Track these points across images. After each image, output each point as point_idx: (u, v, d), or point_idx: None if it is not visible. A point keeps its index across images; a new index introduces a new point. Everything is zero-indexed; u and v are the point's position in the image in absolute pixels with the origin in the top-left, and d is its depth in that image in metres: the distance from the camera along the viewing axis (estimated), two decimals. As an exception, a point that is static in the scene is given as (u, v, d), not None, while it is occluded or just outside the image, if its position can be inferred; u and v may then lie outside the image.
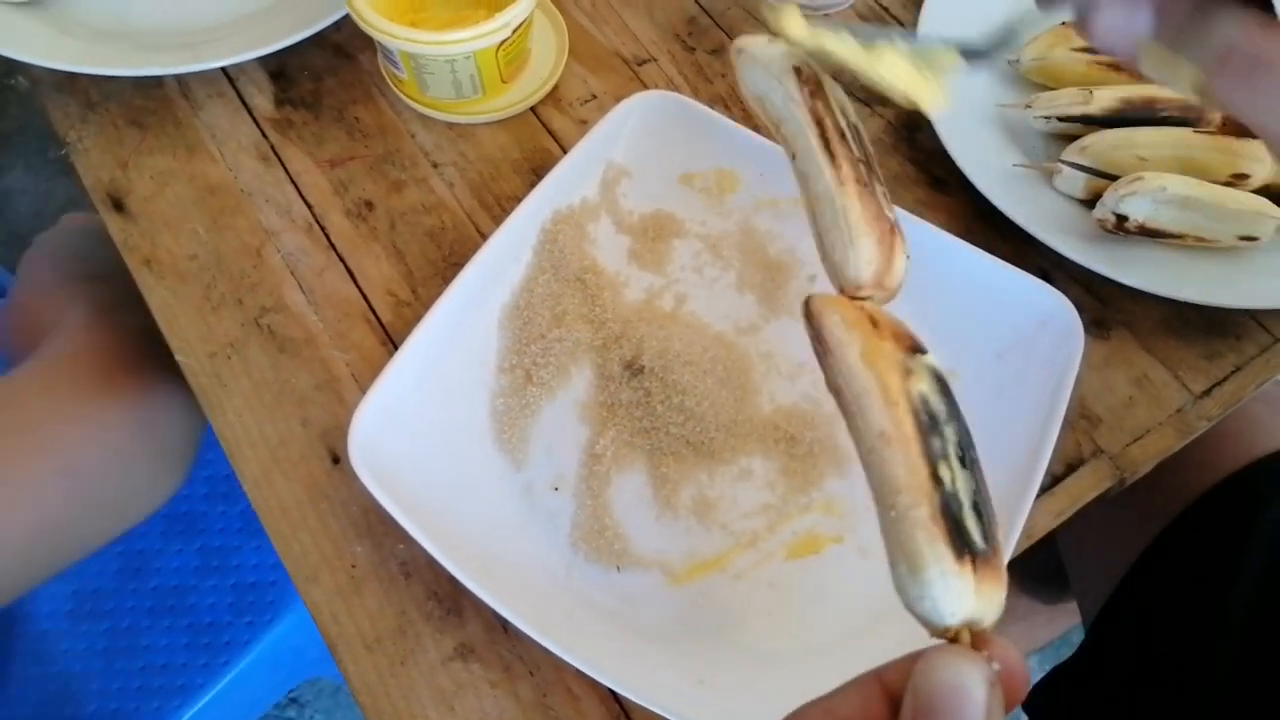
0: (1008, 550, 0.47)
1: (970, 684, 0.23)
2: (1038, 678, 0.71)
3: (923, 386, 0.31)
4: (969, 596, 0.27)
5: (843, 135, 0.40)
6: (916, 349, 0.33)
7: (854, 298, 0.37)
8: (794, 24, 0.40)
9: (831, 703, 0.26)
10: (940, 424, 0.31)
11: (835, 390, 0.33)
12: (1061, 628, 1.12)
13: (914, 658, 0.25)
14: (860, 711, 0.25)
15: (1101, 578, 0.70)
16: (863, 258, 0.37)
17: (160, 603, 0.82)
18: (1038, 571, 0.97)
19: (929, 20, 0.65)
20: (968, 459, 0.30)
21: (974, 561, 0.27)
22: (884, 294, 0.37)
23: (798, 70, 0.41)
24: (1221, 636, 0.59)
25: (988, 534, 0.29)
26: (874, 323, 0.33)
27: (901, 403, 0.31)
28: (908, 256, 0.38)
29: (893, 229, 0.37)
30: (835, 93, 0.42)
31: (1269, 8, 0.28)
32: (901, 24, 0.69)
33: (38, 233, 0.72)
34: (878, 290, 0.37)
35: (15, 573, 0.54)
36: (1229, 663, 0.58)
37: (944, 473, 0.29)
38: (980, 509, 0.29)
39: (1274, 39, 0.27)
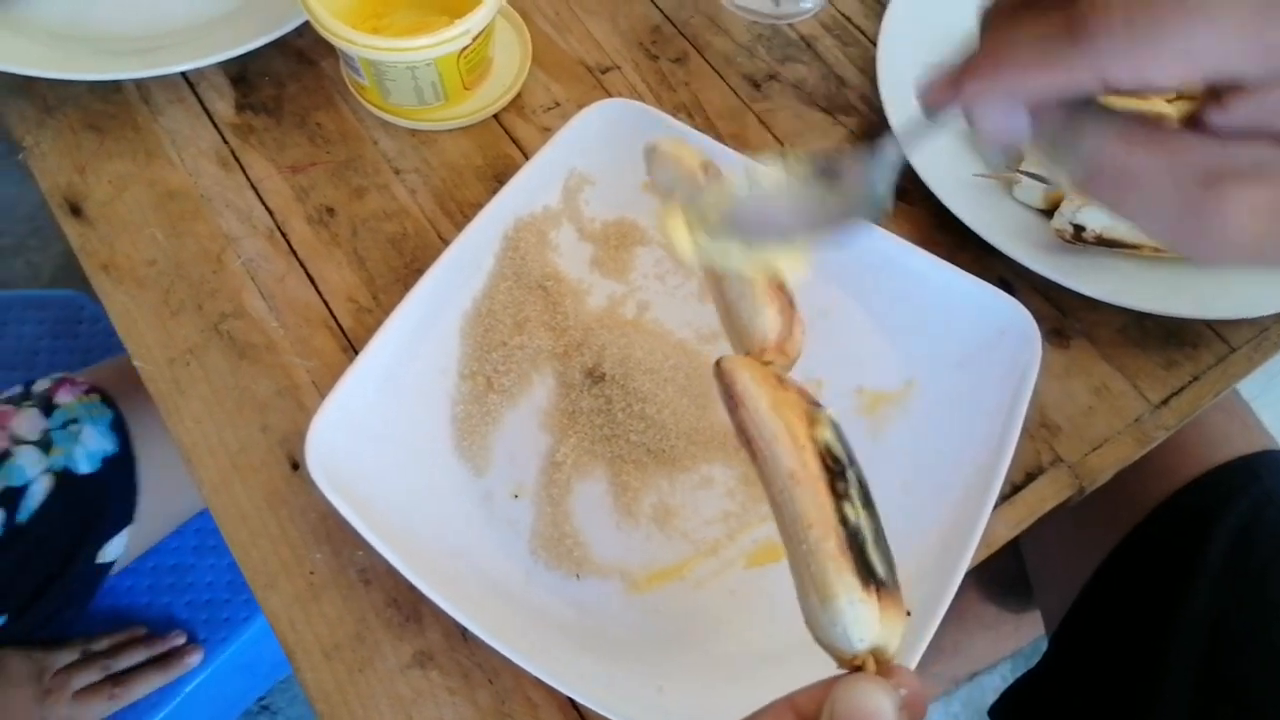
0: (924, 579, 0.48)
1: (883, 708, 0.25)
2: (1006, 686, 0.72)
3: (827, 434, 0.34)
4: (875, 623, 0.29)
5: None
6: (817, 405, 0.35)
7: (761, 361, 0.39)
8: (679, 233, 0.42)
9: None
10: (844, 467, 0.33)
11: (747, 440, 0.35)
12: (1029, 636, 1.13)
13: (827, 684, 0.27)
14: None
15: (1064, 586, 0.70)
16: (769, 324, 0.40)
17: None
18: (1004, 580, 0.98)
19: (890, 32, 0.66)
20: (868, 501, 0.33)
21: (879, 591, 0.30)
22: (785, 360, 0.40)
23: (705, 166, 0.44)
24: (1179, 641, 0.60)
25: (889, 568, 0.31)
26: (779, 380, 0.36)
27: (808, 446, 0.33)
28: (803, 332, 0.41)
29: (791, 303, 0.41)
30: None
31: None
32: (865, 34, 0.69)
33: (6, 235, 0.71)
34: (779, 355, 0.40)
35: None
36: (1187, 668, 0.59)
37: (849, 510, 0.32)
38: (881, 545, 0.32)
39: (1136, 152, 0.28)
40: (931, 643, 0.45)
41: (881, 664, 0.28)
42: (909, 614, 0.31)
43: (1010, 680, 0.72)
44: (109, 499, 0.71)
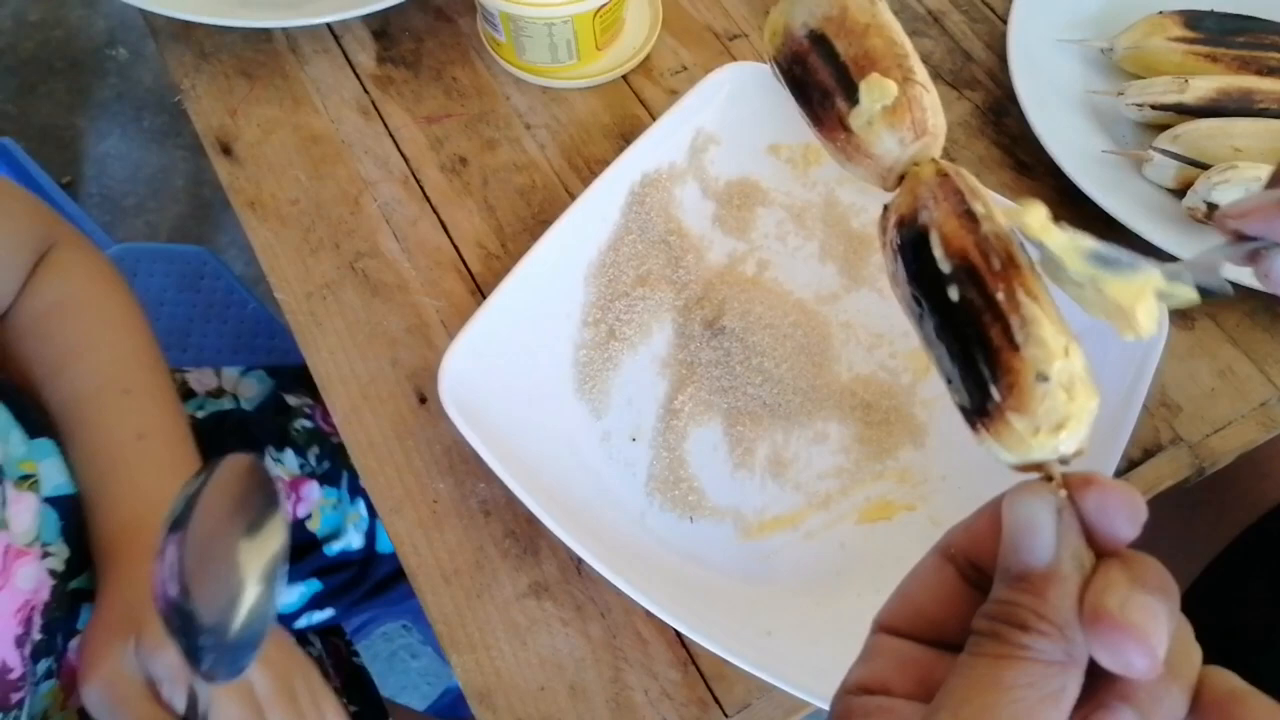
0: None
1: (1032, 519, 0.24)
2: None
3: (905, 285, 0.31)
4: (1000, 450, 0.27)
5: (797, 84, 0.36)
6: (902, 229, 0.31)
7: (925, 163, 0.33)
8: (1038, 218, 0.35)
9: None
10: (922, 301, 0.30)
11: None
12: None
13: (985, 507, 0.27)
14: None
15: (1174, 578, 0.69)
16: (859, 178, 0.35)
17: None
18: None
19: (1022, 10, 0.65)
20: (946, 314, 0.29)
21: (984, 424, 0.27)
22: (902, 163, 0.33)
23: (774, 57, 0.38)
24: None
25: (982, 382, 0.28)
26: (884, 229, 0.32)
27: (904, 311, 0.31)
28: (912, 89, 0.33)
29: (845, 130, 0.34)
30: (790, 38, 0.36)
31: None
32: (994, 10, 0.69)
33: (130, 196, 0.74)
34: (891, 176, 0.33)
35: None
36: None
37: (935, 353, 0.29)
38: (965, 363, 0.28)
39: None
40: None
41: (1042, 470, 0.27)
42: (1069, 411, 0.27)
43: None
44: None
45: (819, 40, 0.35)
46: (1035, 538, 0.24)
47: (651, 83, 0.66)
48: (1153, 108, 0.61)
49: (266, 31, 0.67)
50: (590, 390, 0.54)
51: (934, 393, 0.55)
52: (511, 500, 0.48)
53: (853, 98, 0.33)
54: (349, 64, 0.66)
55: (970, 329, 0.28)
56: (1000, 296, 0.27)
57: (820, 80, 0.34)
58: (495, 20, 0.62)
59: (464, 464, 0.53)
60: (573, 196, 0.58)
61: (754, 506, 0.52)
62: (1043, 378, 0.27)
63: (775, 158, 0.61)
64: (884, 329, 0.57)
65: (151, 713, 0.44)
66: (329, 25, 0.67)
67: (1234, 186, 0.55)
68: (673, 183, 0.59)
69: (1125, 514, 0.24)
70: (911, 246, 0.30)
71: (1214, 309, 0.58)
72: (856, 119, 0.33)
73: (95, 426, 0.53)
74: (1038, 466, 0.27)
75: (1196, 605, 0.66)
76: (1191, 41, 0.61)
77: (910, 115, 0.32)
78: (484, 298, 0.54)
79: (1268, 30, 0.62)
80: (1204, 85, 0.59)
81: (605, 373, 0.55)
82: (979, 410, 0.28)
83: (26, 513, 0.48)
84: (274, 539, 0.37)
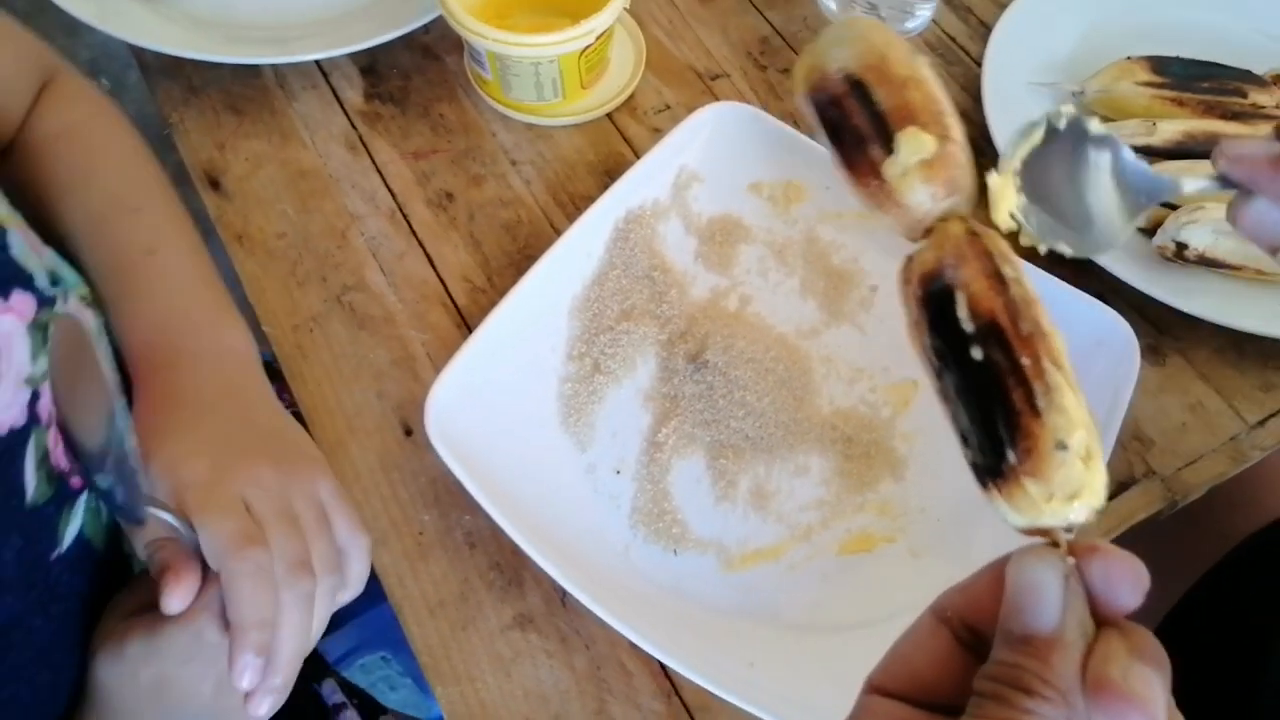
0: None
1: (1040, 581, 0.24)
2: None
3: (928, 337, 0.31)
4: (1009, 512, 0.28)
5: (831, 127, 0.36)
6: (929, 282, 0.31)
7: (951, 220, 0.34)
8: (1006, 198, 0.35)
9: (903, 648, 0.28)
10: (945, 357, 0.30)
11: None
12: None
13: (984, 570, 0.27)
14: (932, 651, 0.27)
15: (1149, 613, 0.70)
16: (888, 225, 0.34)
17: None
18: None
19: (995, 53, 0.67)
20: (969, 372, 0.29)
21: (996, 484, 0.28)
22: (932, 215, 0.33)
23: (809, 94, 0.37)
24: (1271, 678, 0.59)
25: (999, 443, 0.28)
26: (907, 280, 0.32)
27: (921, 361, 0.31)
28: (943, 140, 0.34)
29: (877, 178, 0.34)
30: (830, 81, 0.36)
31: None
32: (969, 54, 0.71)
33: None
34: (918, 225, 0.34)
35: None
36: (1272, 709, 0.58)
37: (952, 408, 0.30)
38: (983, 422, 0.29)
39: None
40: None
41: (1049, 535, 0.27)
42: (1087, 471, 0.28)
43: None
44: None
45: (856, 85, 0.35)
46: (1042, 602, 0.24)
47: (635, 121, 0.67)
48: (1122, 149, 0.62)
49: (255, 67, 0.68)
50: (575, 423, 0.55)
51: (913, 426, 0.56)
52: (496, 532, 0.49)
53: (888, 147, 0.33)
54: (337, 100, 0.67)
55: (992, 390, 0.29)
56: (1025, 361, 0.28)
57: (856, 125, 0.35)
58: (482, 59, 0.63)
59: (449, 496, 0.54)
60: (558, 232, 0.59)
61: (736, 538, 0.53)
62: (1062, 446, 0.27)
63: (757, 195, 0.62)
64: (864, 364, 0.58)
65: (161, 538, 0.42)
66: (317, 62, 0.68)
67: (1201, 227, 0.57)
68: (656, 219, 0.61)
69: (1130, 584, 0.25)
70: (936, 300, 0.31)
71: (1184, 346, 0.60)
72: (891, 168, 0.33)
73: (107, 245, 0.52)
74: (1043, 531, 0.27)
75: (1175, 635, 0.67)
76: (1159, 86, 0.63)
77: (945, 172, 0.33)
78: (469, 331, 0.55)
79: (1231, 76, 0.64)
80: (1171, 128, 0.61)
81: (590, 406, 0.55)
82: (993, 470, 0.28)
83: (90, 324, 0.49)
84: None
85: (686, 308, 0.59)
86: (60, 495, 0.43)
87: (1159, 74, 0.64)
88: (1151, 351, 0.59)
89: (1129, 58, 0.65)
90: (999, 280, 0.30)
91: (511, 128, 0.67)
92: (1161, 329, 0.60)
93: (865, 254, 0.61)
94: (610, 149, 0.66)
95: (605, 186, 0.59)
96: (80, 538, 0.45)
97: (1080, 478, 0.27)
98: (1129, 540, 0.55)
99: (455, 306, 0.60)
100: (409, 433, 0.56)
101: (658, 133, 0.66)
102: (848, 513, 0.54)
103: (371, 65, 0.69)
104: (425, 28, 0.68)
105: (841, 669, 0.48)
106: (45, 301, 0.44)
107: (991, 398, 0.28)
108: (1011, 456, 0.28)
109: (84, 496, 0.45)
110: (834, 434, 0.55)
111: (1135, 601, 0.25)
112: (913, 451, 0.55)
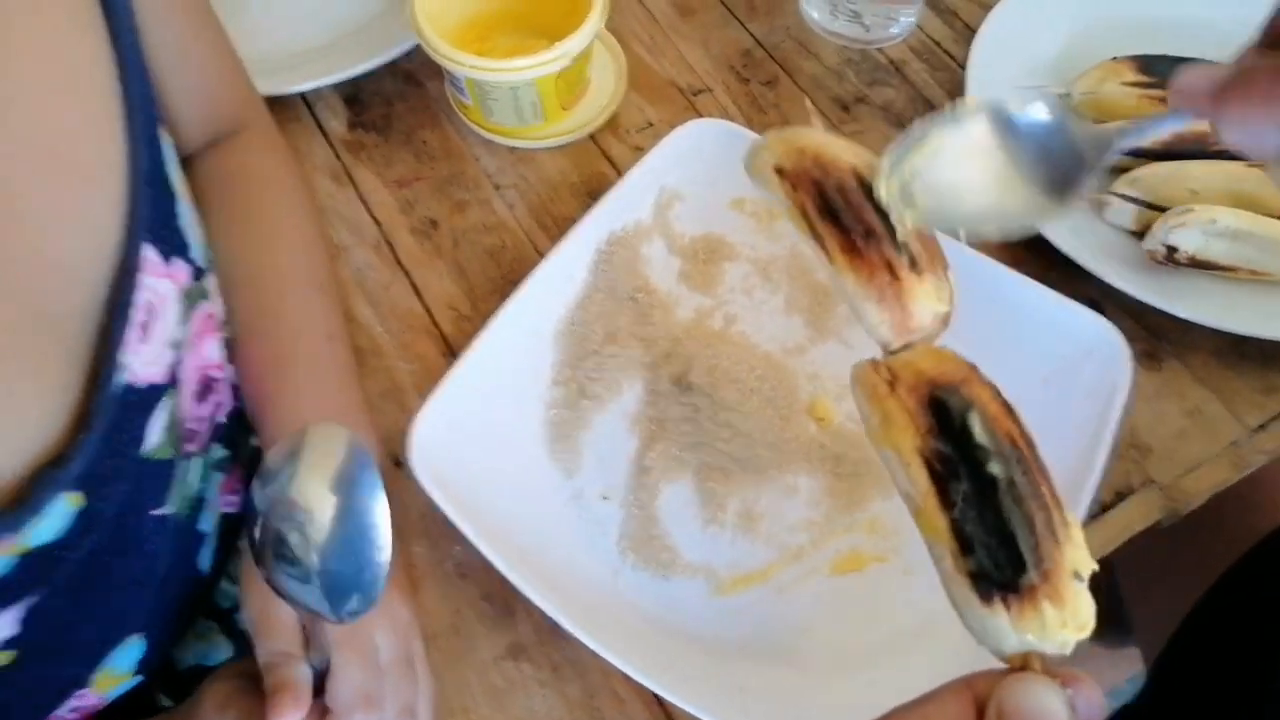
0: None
1: (1050, 709, 0.26)
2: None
3: (932, 442, 0.32)
4: (1009, 632, 0.29)
5: (825, 210, 0.38)
6: (937, 391, 0.33)
7: (894, 352, 0.37)
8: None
9: (927, 709, 0.28)
10: (955, 465, 0.31)
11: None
12: (1126, 671, 1.10)
13: (1000, 674, 0.27)
14: (955, 717, 0.27)
15: (1162, 618, 0.69)
16: (873, 321, 0.37)
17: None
18: (1099, 614, 0.96)
19: (979, 57, 0.66)
20: (986, 485, 0.31)
21: (1004, 598, 0.29)
22: (922, 333, 0.37)
23: (779, 170, 0.40)
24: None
25: (1017, 560, 0.29)
26: (891, 384, 0.34)
27: (914, 462, 0.32)
28: (943, 275, 0.38)
29: (892, 275, 0.36)
30: (834, 169, 0.39)
31: None
32: (954, 59, 0.70)
33: None
34: (908, 335, 0.37)
35: None
36: None
37: (960, 517, 0.30)
38: (1008, 536, 0.29)
39: None
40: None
41: (1044, 663, 0.28)
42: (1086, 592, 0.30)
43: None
44: None
45: (862, 180, 0.37)
46: None
47: (618, 140, 0.67)
48: (1110, 152, 0.61)
49: (239, 101, 0.68)
50: (561, 449, 0.55)
51: (903, 441, 0.55)
52: (487, 562, 0.49)
53: (900, 250, 0.36)
54: (321, 131, 0.68)
55: (1017, 507, 0.30)
56: (1045, 490, 0.30)
57: (865, 219, 0.37)
58: (461, 85, 0.63)
59: (439, 527, 0.53)
60: (542, 255, 0.59)
61: (726, 562, 0.52)
62: (1078, 577, 0.29)
63: (739, 212, 0.62)
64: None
65: (285, 651, 0.43)
66: (302, 94, 0.68)
67: (1190, 229, 0.56)
68: (639, 240, 0.60)
69: (1099, 711, 0.26)
70: (941, 408, 0.32)
71: (1181, 351, 0.59)
72: (911, 275, 0.36)
73: (289, 308, 0.53)
74: (1023, 656, 0.28)
75: (1189, 643, 0.66)
76: (1146, 86, 0.62)
77: (950, 294, 0.37)
78: (456, 359, 0.55)
79: (1219, 72, 0.63)
80: (1159, 129, 0.60)
81: (576, 431, 0.55)
82: (1007, 585, 0.29)
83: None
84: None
85: (671, 329, 0.58)
86: (174, 458, 0.44)
87: (1146, 73, 0.63)
88: (1147, 357, 0.59)
89: (1115, 58, 0.64)
90: (1009, 409, 0.32)
91: (494, 152, 0.67)
92: (1157, 334, 0.59)
93: (852, 267, 0.60)
94: (593, 169, 0.66)
95: (589, 208, 0.59)
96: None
97: (1087, 610, 0.29)
98: (1138, 548, 0.54)
99: (442, 335, 0.60)
100: (398, 464, 0.56)
101: (640, 151, 0.65)
102: (838, 532, 0.53)
103: (355, 94, 0.69)
104: (407, 55, 0.68)
105: (832, 692, 0.48)
106: (199, 273, 0.45)
107: (1013, 515, 0.30)
108: (1034, 576, 0.29)
109: (191, 463, 0.47)
110: (822, 453, 0.55)
111: None
112: (903, 467, 0.55)
